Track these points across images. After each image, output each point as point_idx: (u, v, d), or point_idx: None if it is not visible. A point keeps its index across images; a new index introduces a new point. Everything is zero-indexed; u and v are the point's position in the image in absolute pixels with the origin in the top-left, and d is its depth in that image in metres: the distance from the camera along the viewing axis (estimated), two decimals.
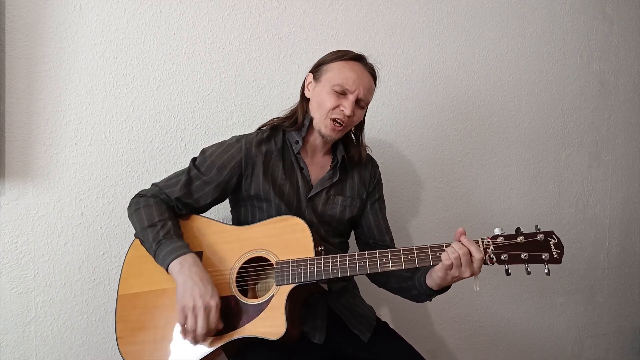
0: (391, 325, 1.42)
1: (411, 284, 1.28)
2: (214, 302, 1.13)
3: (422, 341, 1.96)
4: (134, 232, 1.28)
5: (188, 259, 1.17)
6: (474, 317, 2.06)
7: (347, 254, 1.19)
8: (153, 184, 1.33)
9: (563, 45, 2.19)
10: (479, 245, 1.13)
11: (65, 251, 1.50)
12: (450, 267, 1.12)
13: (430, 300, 1.29)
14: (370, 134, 1.84)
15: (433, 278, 1.19)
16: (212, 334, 1.15)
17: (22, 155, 1.45)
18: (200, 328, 1.12)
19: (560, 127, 2.20)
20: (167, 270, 1.18)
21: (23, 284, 1.47)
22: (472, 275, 1.13)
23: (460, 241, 1.13)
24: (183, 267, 1.16)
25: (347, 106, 1.28)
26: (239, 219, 1.39)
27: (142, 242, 1.24)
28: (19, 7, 1.42)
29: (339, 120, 1.29)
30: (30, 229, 1.47)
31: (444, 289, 1.23)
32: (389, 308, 1.90)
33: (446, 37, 1.96)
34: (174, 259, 1.16)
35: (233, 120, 1.67)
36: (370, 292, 1.51)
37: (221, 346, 1.17)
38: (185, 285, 1.14)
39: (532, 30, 2.12)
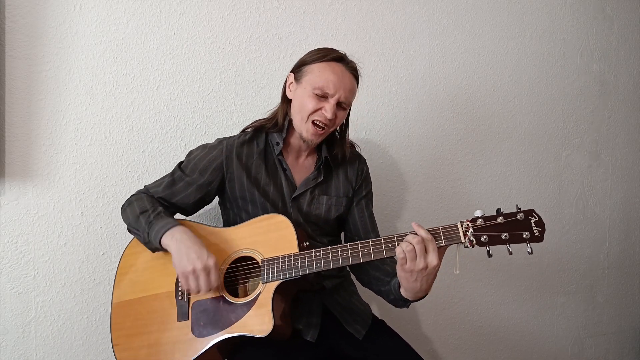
0: (390, 325, 1.42)
1: (388, 289, 1.27)
2: (211, 262, 1.16)
3: (421, 341, 1.96)
4: (127, 228, 1.30)
5: (178, 229, 1.20)
6: (474, 317, 2.05)
7: (329, 247, 1.19)
8: (143, 187, 1.37)
9: (563, 45, 2.19)
10: (457, 228, 1.10)
11: (65, 251, 1.50)
12: (405, 261, 1.08)
13: (407, 307, 1.27)
14: (370, 134, 1.85)
15: (404, 286, 1.16)
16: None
17: (22, 155, 1.45)
18: (204, 288, 1.16)
19: (560, 127, 2.20)
20: (160, 245, 1.21)
21: (23, 284, 1.47)
22: (426, 266, 1.08)
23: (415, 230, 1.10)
24: (174, 237, 1.19)
25: (328, 109, 1.26)
26: (228, 222, 1.41)
27: (137, 232, 1.26)
28: (19, 7, 1.42)
29: (320, 124, 1.28)
30: (30, 229, 1.47)
31: (420, 297, 1.19)
32: (386, 307, 1.88)
33: (446, 37, 1.96)
34: (165, 232, 1.20)
35: (233, 120, 1.67)
36: (367, 290, 1.51)
37: (215, 345, 1.18)
38: (179, 251, 1.17)
39: (532, 30, 2.12)
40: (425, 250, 1.09)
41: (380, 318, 1.45)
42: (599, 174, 2.30)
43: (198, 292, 1.17)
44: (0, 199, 1.43)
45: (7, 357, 1.46)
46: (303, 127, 1.29)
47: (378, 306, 1.87)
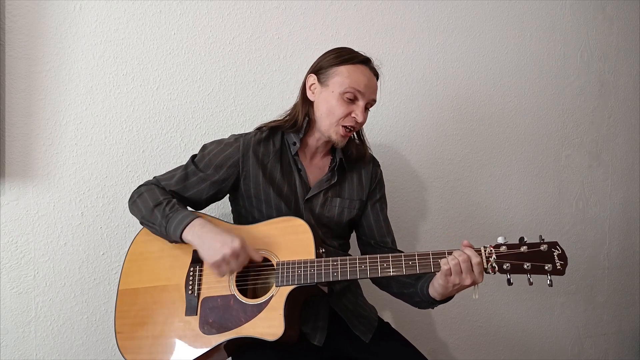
0: (392, 325, 1.42)
1: (413, 292, 1.26)
2: (237, 244, 1.15)
3: (422, 341, 1.96)
4: (139, 220, 1.28)
5: (197, 222, 1.19)
6: (474, 317, 2.06)
7: (347, 257, 1.18)
8: (153, 178, 1.34)
9: (563, 45, 2.19)
10: (480, 253, 1.11)
11: (65, 251, 1.50)
12: (449, 272, 1.10)
13: (433, 308, 1.28)
14: (370, 134, 1.84)
15: (435, 287, 1.17)
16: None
17: (22, 155, 1.45)
18: (236, 270, 1.18)
19: (560, 127, 2.20)
20: (181, 239, 1.20)
21: (23, 284, 1.47)
22: (473, 283, 1.11)
23: (461, 249, 1.12)
24: (195, 232, 1.18)
25: (359, 113, 1.27)
26: (239, 219, 1.39)
27: (152, 225, 1.24)
28: (19, 7, 1.42)
29: (349, 127, 1.29)
30: (30, 229, 1.47)
31: (447, 298, 1.21)
32: (390, 308, 1.90)
33: (446, 37, 1.96)
34: (184, 228, 1.18)
35: (233, 120, 1.67)
36: (372, 291, 1.51)
37: (221, 344, 1.17)
38: (203, 245, 1.17)
39: (532, 30, 2.12)
40: (472, 268, 1.10)
41: (384, 320, 1.44)
42: (599, 174, 2.30)
43: (232, 272, 1.19)
44: (0, 199, 1.43)
45: (7, 357, 1.46)
46: (332, 130, 1.29)
47: (379, 307, 1.87)
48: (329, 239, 1.36)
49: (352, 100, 1.27)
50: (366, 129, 1.83)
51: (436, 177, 1.97)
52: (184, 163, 1.34)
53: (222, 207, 1.56)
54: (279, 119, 1.38)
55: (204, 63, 1.63)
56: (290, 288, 1.17)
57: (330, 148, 1.40)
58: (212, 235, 1.16)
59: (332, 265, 1.16)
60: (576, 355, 2.28)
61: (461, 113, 2.00)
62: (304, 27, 1.74)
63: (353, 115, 1.27)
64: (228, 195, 1.41)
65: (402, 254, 1.16)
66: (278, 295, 1.17)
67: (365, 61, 1.31)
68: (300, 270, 1.17)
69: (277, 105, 1.65)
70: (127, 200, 1.33)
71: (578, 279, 2.26)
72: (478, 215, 2.04)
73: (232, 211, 1.43)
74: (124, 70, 1.55)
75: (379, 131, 1.87)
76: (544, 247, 1.10)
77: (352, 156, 1.39)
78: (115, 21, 1.53)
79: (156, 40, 1.57)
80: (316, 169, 1.38)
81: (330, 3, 1.78)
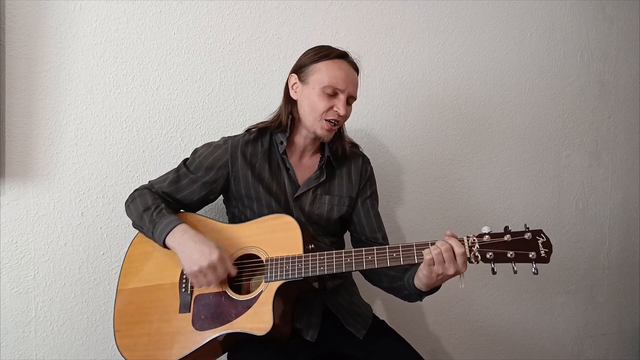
0: (390, 325, 1.42)
1: (401, 285, 1.28)
2: (215, 257, 1.17)
3: (421, 341, 1.96)
4: (132, 225, 1.32)
5: (179, 229, 1.22)
6: (474, 317, 2.06)
7: (334, 251, 1.19)
8: (148, 182, 1.38)
9: (563, 45, 2.19)
10: (463, 243, 1.11)
11: (65, 251, 1.50)
12: (432, 262, 1.11)
13: (421, 300, 1.29)
14: (370, 133, 1.85)
15: (420, 278, 1.18)
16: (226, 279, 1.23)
17: (22, 155, 1.45)
18: (214, 283, 1.20)
19: (560, 127, 2.20)
20: (165, 247, 1.23)
21: (23, 284, 1.47)
22: (457, 272, 1.11)
23: (444, 239, 1.13)
24: (176, 238, 1.21)
25: (340, 107, 1.29)
26: (233, 219, 1.42)
27: (142, 229, 1.29)
28: (19, 7, 1.42)
29: (333, 121, 1.31)
30: (30, 229, 1.47)
31: (433, 289, 1.22)
32: (387, 307, 1.90)
33: (446, 37, 1.96)
34: (167, 234, 1.22)
35: (233, 120, 1.67)
36: (369, 291, 1.51)
37: (214, 340, 1.19)
38: (184, 253, 1.19)
39: (532, 30, 2.12)
40: (455, 258, 1.10)
41: (380, 318, 1.45)
42: (599, 174, 2.30)
43: (210, 285, 1.20)
44: (0, 199, 1.43)
45: (7, 357, 1.46)
46: (317, 125, 1.31)
47: (378, 307, 1.87)
48: (321, 236, 1.38)
49: (333, 95, 1.29)
50: (366, 129, 1.84)
51: (436, 177, 1.97)
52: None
53: (221, 207, 1.56)
54: (267, 120, 1.40)
55: (204, 63, 1.63)
56: (278, 283, 1.19)
57: (320, 147, 1.42)
58: (192, 244, 1.19)
59: (319, 259, 1.18)
60: (576, 355, 2.28)
61: (461, 113, 2.00)
62: (304, 27, 1.74)
63: (335, 109, 1.30)
64: (222, 197, 1.44)
65: (387, 246, 1.17)
66: (267, 291, 1.19)
67: (342, 55, 1.33)
68: (288, 266, 1.19)
69: (277, 105, 1.64)
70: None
71: (578, 279, 2.27)
72: (478, 216, 2.04)
73: (227, 212, 1.45)
74: (124, 70, 1.55)
75: (379, 131, 1.87)
76: (528, 236, 1.09)
77: (341, 154, 1.41)
78: (115, 21, 1.53)
79: (156, 40, 1.57)
80: (305, 167, 1.40)
81: (330, 3, 1.78)
